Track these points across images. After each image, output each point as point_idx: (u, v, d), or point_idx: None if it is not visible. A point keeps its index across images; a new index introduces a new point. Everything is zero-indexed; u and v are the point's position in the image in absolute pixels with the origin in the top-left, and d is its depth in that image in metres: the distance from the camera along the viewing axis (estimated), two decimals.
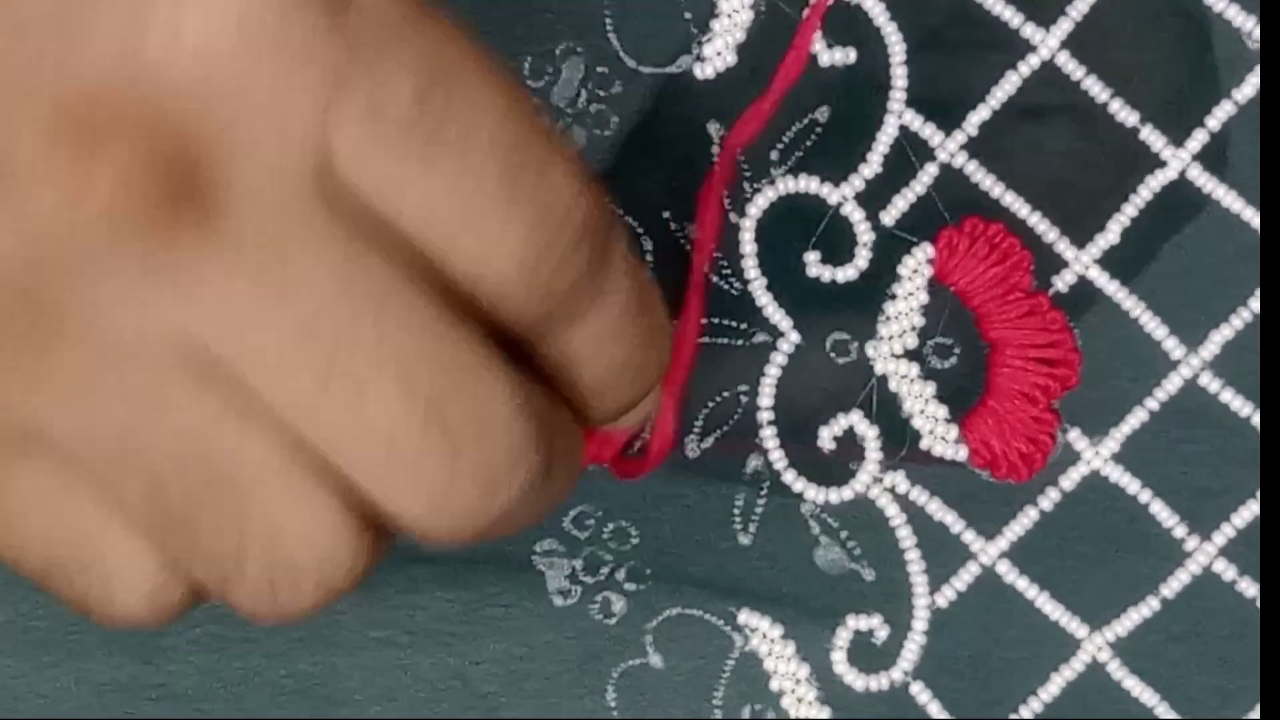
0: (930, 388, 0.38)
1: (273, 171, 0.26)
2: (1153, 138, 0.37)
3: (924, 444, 0.38)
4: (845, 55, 0.37)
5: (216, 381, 0.26)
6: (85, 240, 0.25)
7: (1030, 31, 0.37)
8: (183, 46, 0.25)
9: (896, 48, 0.37)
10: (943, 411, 0.38)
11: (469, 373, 0.27)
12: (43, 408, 0.27)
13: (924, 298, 0.38)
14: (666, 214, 0.38)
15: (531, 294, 0.27)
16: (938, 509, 0.38)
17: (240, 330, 0.26)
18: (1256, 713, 0.38)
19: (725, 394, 0.38)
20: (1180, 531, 0.38)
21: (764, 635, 0.38)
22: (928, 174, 0.38)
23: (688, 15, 0.37)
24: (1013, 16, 0.37)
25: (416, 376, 0.27)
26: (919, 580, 0.38)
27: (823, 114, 0.38)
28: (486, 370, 0.27)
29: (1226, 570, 0.38)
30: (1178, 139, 0.37)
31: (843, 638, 0.38)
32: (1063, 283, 0.38)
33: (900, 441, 0.38)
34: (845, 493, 0.38)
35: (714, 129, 0.37)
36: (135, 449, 0.27)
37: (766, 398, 0.38)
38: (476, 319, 0.27)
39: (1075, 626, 0.38)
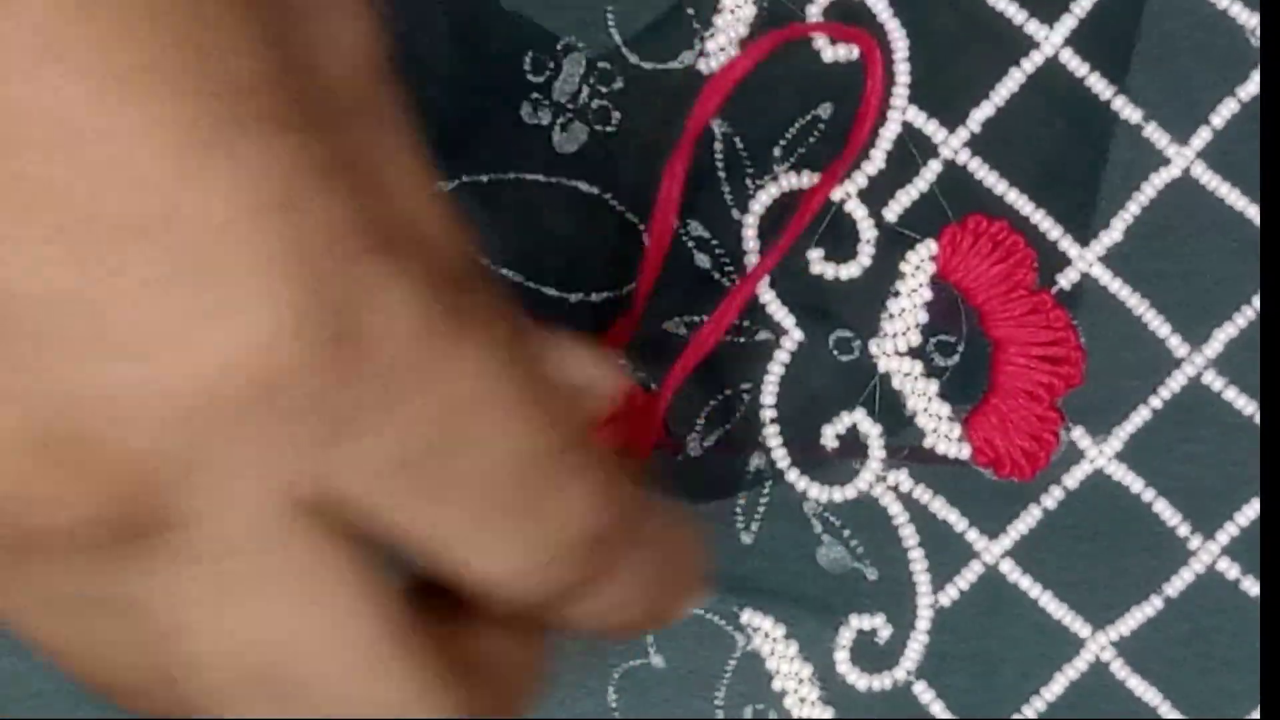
0: (933, 385, 0.37)
1: (251, 507, 0.24)
2: (1156, 135, 0.37)
3: (927, 442, 0.38)
4: (848, 51, 0.37)
5: None
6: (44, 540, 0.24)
7: (1034, 28, 0.37)
8: (178, 389, 0.23)
9: (899, 44, 0.37)
10: (946, 409, 0.38)
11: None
12: None
13: (927, 295, 0.37)
14: None
15: (523, 595, 0.26)
16: (941, 507, 0.38)
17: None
18: (1258, 713, 0.38)
19: (728, 392, 0.38)
20: (1184, 530, 0.38)
21: (766, 635, 0.38)
22: (931, 170, 0.37)
23: (690, 10, 0.37)
24: (1016, 13, 0.37)
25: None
26: (922, 579, 0.38)
27: (825, 110, 0.37)
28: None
29: (1230, 569, 0.38)
30: (1181, 136, 0.37)
31: (845, 637, 0.38)
32: (1066, 280, 0.38)
33: (903, 439, 0.38)
34: (848, 491, 0.38)
35: (717, 125, 0.37)
36: None
37: (769, 396, 0.38)
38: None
39: (1078, 626, 0.38)
